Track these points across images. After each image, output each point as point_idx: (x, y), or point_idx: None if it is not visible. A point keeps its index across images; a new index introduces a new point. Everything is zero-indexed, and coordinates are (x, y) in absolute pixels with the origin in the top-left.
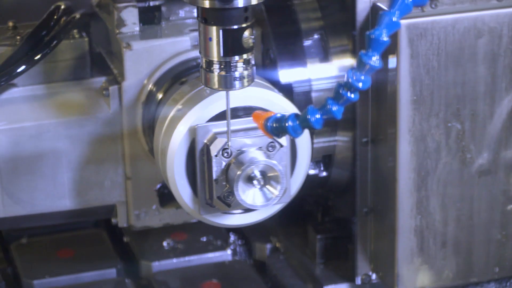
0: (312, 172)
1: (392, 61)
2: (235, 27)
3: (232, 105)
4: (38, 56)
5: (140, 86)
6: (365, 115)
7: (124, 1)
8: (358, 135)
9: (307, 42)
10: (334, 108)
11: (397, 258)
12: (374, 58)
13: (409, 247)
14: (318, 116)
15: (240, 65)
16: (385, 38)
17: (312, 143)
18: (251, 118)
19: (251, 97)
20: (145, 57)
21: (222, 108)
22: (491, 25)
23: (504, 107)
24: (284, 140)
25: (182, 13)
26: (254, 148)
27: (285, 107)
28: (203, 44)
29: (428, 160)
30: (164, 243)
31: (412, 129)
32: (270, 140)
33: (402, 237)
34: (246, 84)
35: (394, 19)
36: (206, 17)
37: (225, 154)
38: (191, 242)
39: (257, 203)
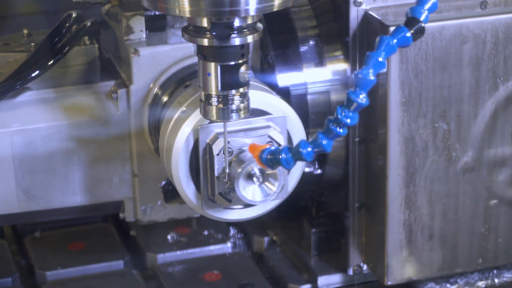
0: (307, 169)
1: None
2: (232, 63)
3: None
4: (51, 62)
5: (147, 89)
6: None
7: (132, 10)
8: (351, 135)
9: (303, 48)
10: (324, 142)
11: (386, 250)
12: (361, 96)
13: (398, 239)
14: (309, 149)
15: (237, 98)
16: (372, 77)
17: None
18: (251, 119)
19: (251, 99)
20: (151, 62)
21: None
22: (476, 31)
23: (488, 109)
24: (281, 140)
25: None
26: None
27: (282, 108)
28: (202, 78)
29: (416, 158)
30: (169, 237)
31: (401, 129)
32: (269, 140)
33: (392, 230)
34: (242, 115)
35: (380, 59)
36: (205, 54)
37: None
38: (194, 235)
39: (257, 199)
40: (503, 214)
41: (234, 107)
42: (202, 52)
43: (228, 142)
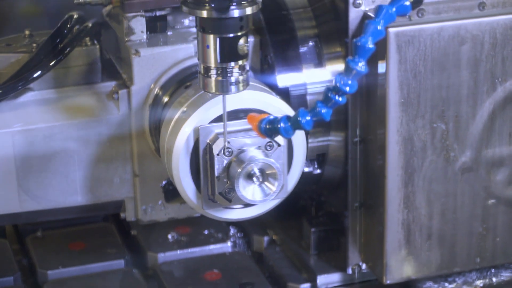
0: (307, 169)
1: (381, 66)
2: (231, 35)
3: (233, 107)
4: (53, 62)
5: (147, 90)
6: (356, 117)
7: (133, 11)
8: (350, 135)
9: (302, 49)
10: (323, 110)
11: (385, 250)
12: (360, 64)
13: (396, 239)
14: (308, 118)
15: (236, 70)
16: (370, 45)
17: (307, 142)
18: None
19: (251, 100)
20: (152, 63)
21: None
22: (474, 32)
23: (486, 109)
24: (281, 140)
25: (186, 22)
26: (253, 147)
27: (282, 108)
28: (201, 51)
29: (415, 158)
30: (169, 236)
31: (400, 130)
32: (269, 140)
33: (390, 230)
34: (241, 88)
35: (379, 27)
36: (204, 26)
37: (227, 153)
38: (194, 235)
39: (257, 199)
40: (501, 213)
41: (233, 79)
42: (201, 24)
43: (228, 142)
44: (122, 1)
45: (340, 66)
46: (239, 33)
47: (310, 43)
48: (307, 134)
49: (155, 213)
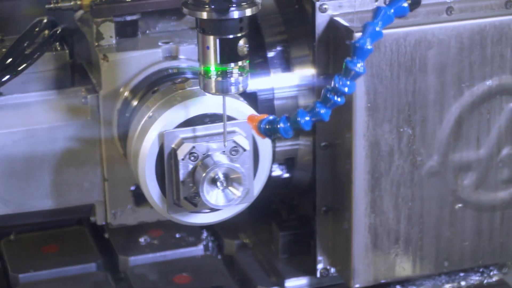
0: (275, 173)
1: None
2: (231, 36)
3: (200, 112)
4: (22, 67)
5: (116, 94)
6: (324, 121)
7: (102, 16)
8: (318, 139)
9: (270, 54)
10: (322, 111)
11: (352, 254)
12: (359, 65)
13: (364, 243)
14: (307, 118)
15: (236, 71)
16: (369, 46)
17: (275, 146)
18: (216, 124)
19: (217, 104)
20: (120, 68)
21: (190, 115)
22: (440, 37)
23: (452, 114)
24: (246, 145)
25: (158, 27)
26: (218, 152)
27: (248, 114)
28: (201, 52)
29: (382, 162)
30: (141, 239)
31: (366, 134)
32: (234, 145)
33: (357, 234)
34: (241, 89)
35: (377, 28)
36: (204, 28)
37: (192, 158)
38: (166, 238)
39: (220, 203)
40: (469, 218)
41: (233, 80)
42: (201, 26)
43: (193, 147)
44: (92, 6)
45: (308, 71)
46: (239, 34)
47: (278, 48)
48: (275, 138)
49: (125, 217)
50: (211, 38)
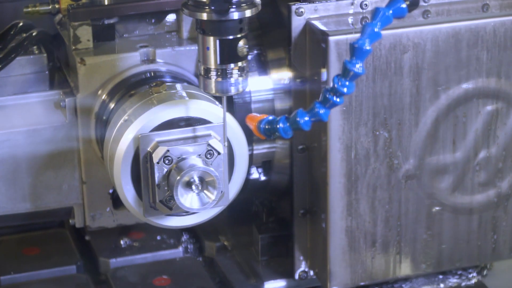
0: (253, 176)
1: (323, 75)
2: (231, 37)
3: (175, 115)
4: None
5: (93, 98)
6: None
7: (79, 20)
8: (295, 142)
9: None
10: (322, 111)
11: (329, 256)
12: (357, 66)
13: (340, 246)
14: (306, 118)
15: (236, 72)
16: (367, 47)
17: (252, 149)
18: (191, 128)
19: (192, 108)
20: (98, 72)
21: (165, 118)
22: (416, 41)
23: (428, 117)
24: (221, 148)
25: (136, 31)
26: (193, 156)
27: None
28: (202, 53)
29: (358, 166)
30: (122, 242)
31: (342, 137)
32: (209, 148)
33: (334, 237)
34: (240, 89)
35: (376, 29)
36: (204, 28)
37: (167, 161)
38: (147, 240)
39: (194, 207)
40: (446, 220)
41: (232, 80)
42: (201, 27)
43: (168, 150)
44: (69, 10)
45: (284, 74)
46: (239, 35)
47: (255, 51)
48: (252, 141)
49: (104, 220)
50: (211, 38)
